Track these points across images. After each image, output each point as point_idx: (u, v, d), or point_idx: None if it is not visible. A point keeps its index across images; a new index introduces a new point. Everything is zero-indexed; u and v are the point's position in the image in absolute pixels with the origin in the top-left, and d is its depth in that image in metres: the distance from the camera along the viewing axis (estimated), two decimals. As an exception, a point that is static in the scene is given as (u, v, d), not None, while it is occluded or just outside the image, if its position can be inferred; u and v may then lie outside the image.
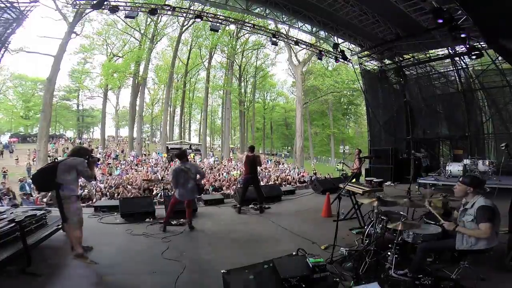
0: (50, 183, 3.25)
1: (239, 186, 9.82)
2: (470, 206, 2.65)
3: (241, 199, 6.08)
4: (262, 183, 13.60)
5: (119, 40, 27.96)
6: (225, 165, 19.76)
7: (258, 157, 6.33)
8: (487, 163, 8.41)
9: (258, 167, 6.41)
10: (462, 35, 7.39)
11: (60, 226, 4.05)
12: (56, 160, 3.51)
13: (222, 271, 2.54)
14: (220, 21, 10.51)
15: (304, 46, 12.75)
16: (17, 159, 20.05)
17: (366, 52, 11.68)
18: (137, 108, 25.48)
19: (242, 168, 19.78)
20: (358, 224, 4.72)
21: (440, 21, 6.97)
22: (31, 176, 3.86)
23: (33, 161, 18.69)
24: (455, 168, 8.65)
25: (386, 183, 8.77)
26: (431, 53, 10.77)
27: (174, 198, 4.73)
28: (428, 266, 2.90)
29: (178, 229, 4.64)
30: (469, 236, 2.58)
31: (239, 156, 27.82)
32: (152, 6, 9.92)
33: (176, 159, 4.95)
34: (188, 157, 22.62)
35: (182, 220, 5.03)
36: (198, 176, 4.74)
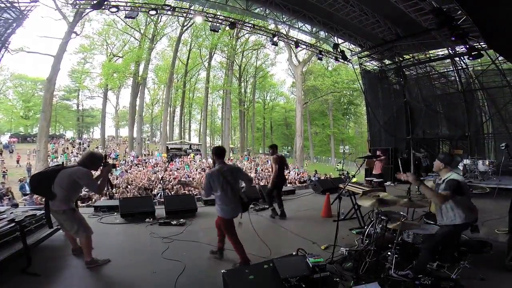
0: (44, 189, 3.02)
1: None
2: (442, 180, 2.78)
3: (270, 201, 5.58)
4: (262, 183, 13.68)
5: (119, 40, 28.02)
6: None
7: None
8: (487, 163, 8.42)
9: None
10: (463, 35, 7.36)
11: (59, 226, 4.04)
12: (62, 165, 3.21)
13: (222, 271, 2.54)
14: (220, 21, 10.52)
15: (304, 46, 12.75)
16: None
17: (366, 52, 11.68)
18: (137, 108, 25.49)
19: (243, 167, 19.79)
20: (358, 224, 4.72)
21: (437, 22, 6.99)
22: (31, 175, 3.61)
23: (17, 162, 18.70)
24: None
25: (386, 183, 8.77)
26: (431, 53, 10.78)
27: (218, 217, 3.34)
28: (428, 266, 2.90)
29: (178, 229, 4.64)
30: (447, 211, 2.70)
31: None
32: (152, 6, 9.92)
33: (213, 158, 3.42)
34: (188, 156, 22.41)
35: (182, 220, 5.04)
36: (242, 184, 3.44)
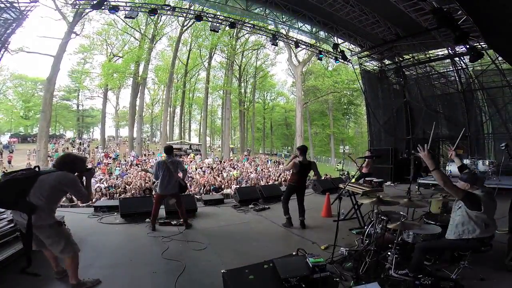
0: (16, 201, 2.34)
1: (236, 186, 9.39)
2: None
3: (285, 210, 4.94)
4: (262, 183, 13.66)
5: (119, 40, 28.01)
6: (224, 167, 19.74)
7: (315, 165, 4.99)
8: (487, 163, 8.43)
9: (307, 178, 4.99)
10: (464, 36, 7.32)
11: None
12: (36, 170, 2.51)
13: (222, 271, 2.54)
14: (220, 21, 10.52)
15: (304, 46, 12.74)
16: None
17: (366, 52, 11.68)
18: (137, 108, 25.48)
19: (243, 168, 19.81)
20: (358, 224, 4.73)
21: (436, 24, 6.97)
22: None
23: (9, 163, 18.72)
24: (455, 168, 8.63)
25: (386, 183, 8.77)
26: (431, 53, 10.78)
27: (156, 194, 4.84)
28: (428, 266, 2.91)
29: (178, 229, 4.64)
30: (455, 226, 2.64)
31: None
32: (152, 6, 9.92)
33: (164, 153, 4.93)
34: (188, 156, 22.57)
35: (181, 220, 5.03)
36: (180, 173, 4.75)
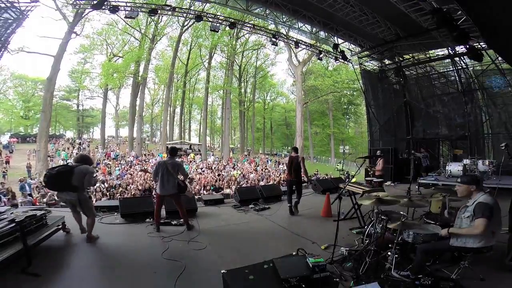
0: (67, 185, 3.74)
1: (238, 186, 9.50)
2: (471, 203, 2.66)
3: (289, 198, 5.84)
4: (262, 183, 13.67)
5: (119, 40, 27.99)
6: (224, 166, 19.73)
7: (303, 159, 5.58)
8: (487, 163, 8.43)
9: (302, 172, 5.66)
10: (464, 36, 7.30)
11: (60, 227, 4.08)
12: (69, 164, 4.08)
13: (222, 271, 2.54)
14: (220, 21, 10.52)
15: (304, 46, 12.73)
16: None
17: (366, 52, 11.68)
18: (137, 108, 25.45)
19: (243, 168, 19.82)
20: (358, 224, 4.73)
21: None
22: (46, 175, 3.89)
23: (7, 163, 18.78)
24: (455, 168, 8.66)
25: (386, 183, 8.77)
26: (431, 53, 10.77)
27: (156, 194, 4.85)
28: (428, 266, 2.91)
29: (178, 229, 4.64)
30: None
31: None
32: (152, 6, 9.92)
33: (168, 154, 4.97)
34: (188, 156, 22.64)
35: (182, 220, 5.03)
36: (180, 175, 4.73)
